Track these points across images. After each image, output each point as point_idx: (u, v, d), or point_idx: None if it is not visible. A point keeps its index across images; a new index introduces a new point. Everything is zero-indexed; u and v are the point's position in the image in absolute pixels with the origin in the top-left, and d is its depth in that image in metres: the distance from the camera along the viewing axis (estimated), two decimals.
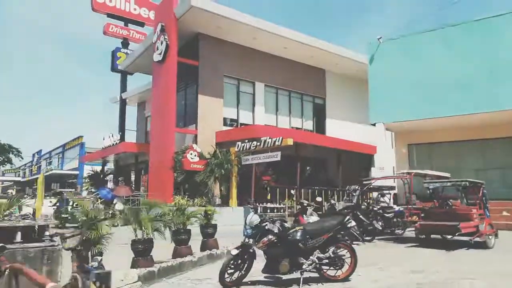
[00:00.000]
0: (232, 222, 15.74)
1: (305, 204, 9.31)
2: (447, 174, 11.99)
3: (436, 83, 15.39)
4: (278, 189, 17.33)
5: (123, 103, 30.41)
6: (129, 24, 31.48)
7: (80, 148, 48.21)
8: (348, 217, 5.65)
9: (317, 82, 24.33)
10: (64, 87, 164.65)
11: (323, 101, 24.67)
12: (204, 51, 19.50)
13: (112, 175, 29.75)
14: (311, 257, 5.33)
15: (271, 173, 18.97)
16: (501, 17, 14.45)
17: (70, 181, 50.57)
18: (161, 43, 18.66)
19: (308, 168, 22.88)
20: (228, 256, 5.55)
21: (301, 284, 5.28)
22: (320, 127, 24.20)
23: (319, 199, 13.20)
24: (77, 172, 46.95)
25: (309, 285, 5.44)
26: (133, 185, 26.31)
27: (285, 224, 5.62)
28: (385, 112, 16.52)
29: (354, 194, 11.28)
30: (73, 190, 29.07)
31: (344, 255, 5.52)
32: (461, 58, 14.95)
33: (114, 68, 30.44)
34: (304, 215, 9.21)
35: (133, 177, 27.49)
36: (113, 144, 23.89)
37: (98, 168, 34.60)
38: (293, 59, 22.69)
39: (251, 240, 5.39)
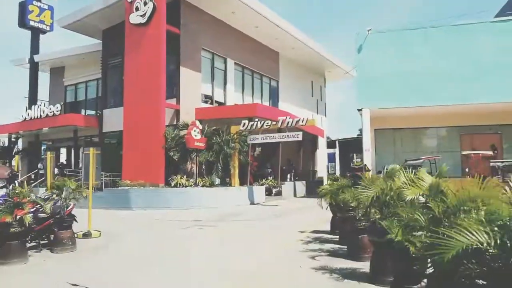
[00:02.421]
0: (237, 202, 15.31)
1: None
2: (490, 152, 14.00)
3: (417, 75, 17.44)
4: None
5: (34, 67, 25.50)
6: None
7: None
8: None
9: (273, 65, 24.70)
10: None
11: (276, 84, 25.17)
12: (186, 20, 17.90)
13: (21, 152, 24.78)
14: None
15: (253, 153, 18.86)
16: (473, 25, 17.24)
17: None
18: (145, 3, 16.41)
19: (258, 148, 23.19)
20: None
21: None
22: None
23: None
24: None
25: None
26: (65, 163, 22.74)
27: None
28: (370, 99, 17.96)
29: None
30: None
31: None
32: (440, 56, 17.31)
33: (24, 24, 25.12)
34: None
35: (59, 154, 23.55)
36: (46, 116, 19.93)
37: None
38: (259, 39, 22.59)
39: None
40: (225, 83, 20.49)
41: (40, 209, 7.53)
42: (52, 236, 7.87)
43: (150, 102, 16.34)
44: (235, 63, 21.14)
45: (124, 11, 17.58)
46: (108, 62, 20.63)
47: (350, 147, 40.47)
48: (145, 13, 16.39)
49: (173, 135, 15.66)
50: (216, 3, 18.37)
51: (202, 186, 15.11)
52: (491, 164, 12.02)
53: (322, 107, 31.22)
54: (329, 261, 6.21)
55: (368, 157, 17.78)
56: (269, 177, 19.53)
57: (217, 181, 15.80)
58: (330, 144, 36.83)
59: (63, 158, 24.60)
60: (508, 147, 18.25)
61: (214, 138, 15.43)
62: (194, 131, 15.12)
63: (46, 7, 25.90)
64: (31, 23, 25.22)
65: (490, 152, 14.19)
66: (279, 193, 18.19)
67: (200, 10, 18.57)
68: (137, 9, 16.72)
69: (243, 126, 15.63)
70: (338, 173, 36.21)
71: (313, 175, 26.55)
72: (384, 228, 4.51)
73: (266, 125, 15.31)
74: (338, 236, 7.96)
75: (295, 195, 19.92)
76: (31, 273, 5.98)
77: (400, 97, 17.59)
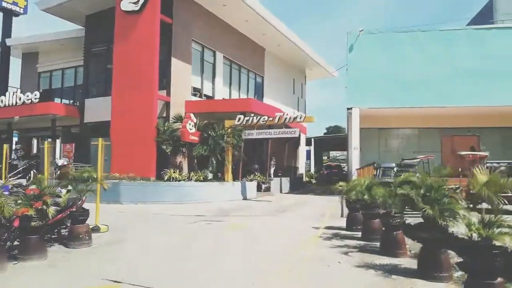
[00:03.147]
0: (231, 197, 15.16)
1: None
2: (487, 153, 14.64)
3: (405, 77, 17.96)
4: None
5: (6, 51, 24.06)
6: None
7: None
8: None
9: (259, 60, 24.60)
10: None
11: (261, 80, 25.10)
12: (178, 10, 17.43)
13: None
14: None
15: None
16: (458, 31, 17.95)
17: None
18: None
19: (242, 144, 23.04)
20: None
21: None
22: None
23: None
24: None
25: None
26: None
27: None
28: (359, 99, 18.28)
29: None
30: None
31: None
32: (427, 59, 17.89)
33: None
34: None
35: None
36: (23, 103, 18.82)
37: None
38: (247, 34, 22.42)
39: None
40: (213, 77, 20.17)
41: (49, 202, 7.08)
42: (63, 230, 7.47)
43: (141, 93, 15.80)
44: (223, 56, 20.87)
45: None
46: (91, 49, 19.75)
47: (321, 145, 41.31)
48: (138, 0, 15.82)
49: (165, 127, 15.24)
50: None
51: (196, 180, 14.83)
52: (487, 165, 12.63)
53: (303, 105, 31.48)
54: (363, 257, 6.26)
55: (356, 156, 18.13)
56: (256, 173, 19.44)
57: (210, 175, 15.55)
58: (306, 141, 37.51)
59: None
60: (485, 149, 19.18)
61: (209, 132, 15.15)
62: (189, 124, 14.80)
63: None
64: (3, 4, 23.76)
65: (486, 153, 14.89)
66: (268, 189, 18.18)
67: (192, 0, 18.16)
68: None
69: (238, 120, 15.48)
70: (312, 170, 36.85)
71: (295, 172, 26.74)
72: (443, 226, 4.62)
73: (263, 121, 15.24)
74: (357, 233, 8.06)
75: (281, 191, 19.98)
76: (59, 270, 5.61)
77: (387, 97, 18.05)
